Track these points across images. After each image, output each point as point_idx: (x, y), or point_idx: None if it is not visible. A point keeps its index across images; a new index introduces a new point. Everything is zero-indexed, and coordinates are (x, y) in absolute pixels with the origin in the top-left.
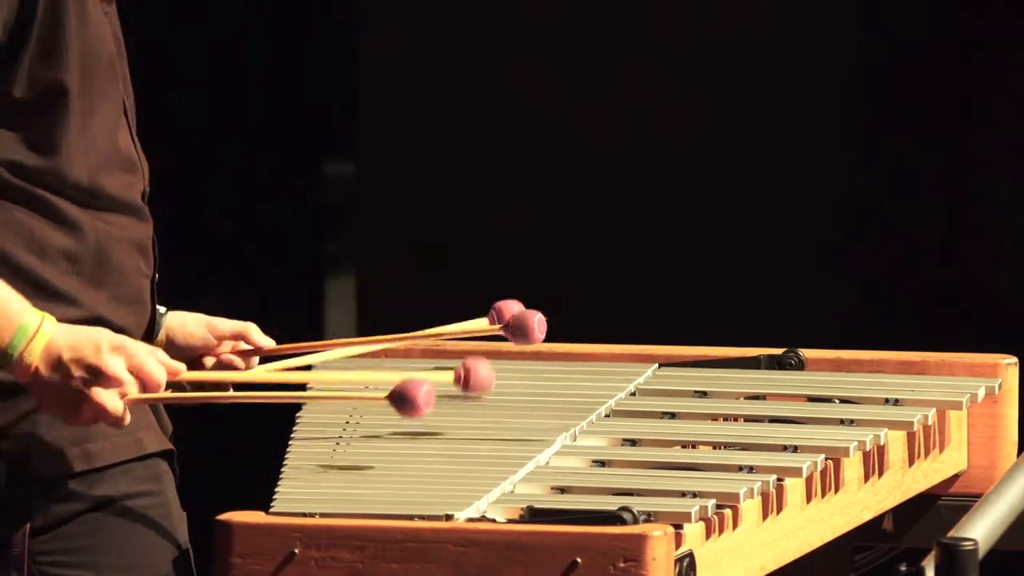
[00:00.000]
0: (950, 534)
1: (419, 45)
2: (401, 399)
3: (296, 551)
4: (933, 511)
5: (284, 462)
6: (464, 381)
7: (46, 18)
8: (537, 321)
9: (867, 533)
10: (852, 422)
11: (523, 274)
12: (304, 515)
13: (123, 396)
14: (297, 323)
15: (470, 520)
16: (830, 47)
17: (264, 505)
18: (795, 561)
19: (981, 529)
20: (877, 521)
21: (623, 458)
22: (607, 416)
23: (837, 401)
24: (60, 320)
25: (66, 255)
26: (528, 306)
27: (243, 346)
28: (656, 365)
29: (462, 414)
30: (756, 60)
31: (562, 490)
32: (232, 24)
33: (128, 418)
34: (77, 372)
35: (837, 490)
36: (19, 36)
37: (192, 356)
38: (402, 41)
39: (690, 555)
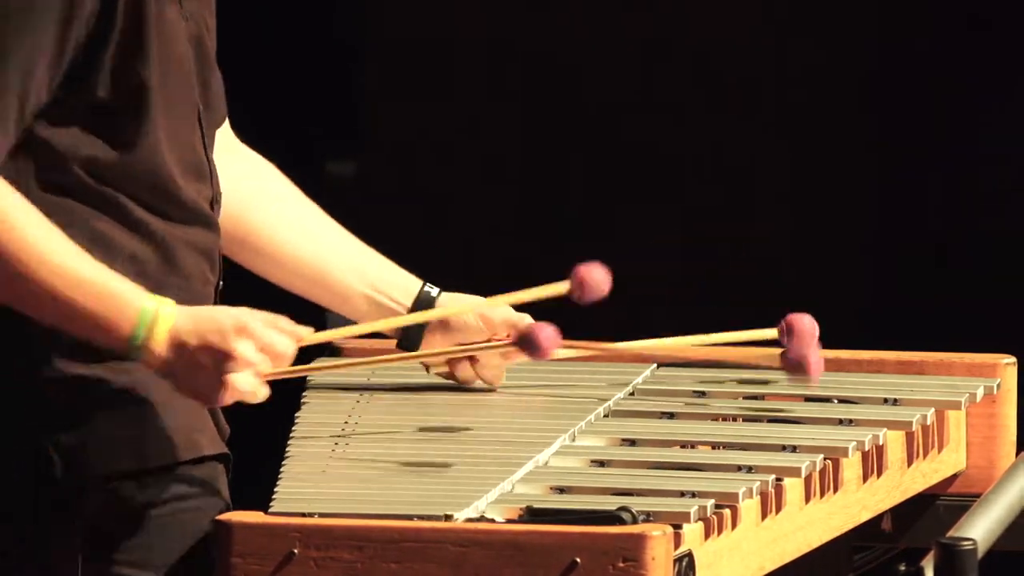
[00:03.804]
0: (949, 534)
1: (421, 45)
2: (528, 342)
3: (295, 551)
4: (932, 511)
5: (283, 462)
6: (580, 289)
7: (127, 13)
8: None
9: (866, 533)
10: (851, 422)
11: (524, 274)
12: (303, 515)
13: (257, 374)
14: (298, 322)
15: (469, 520)
16: (839, 50)
17: (263, 505)
18: (794, 561)
19: (980, 529)
20: (876, 521)
21: (622, 458)
22: (606, 416)
23: (836, 401)
24: None
25: (133, 257)
26: (528, 307)
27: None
28: (655, 365)
29: (461, 414)
30: (757, 62)
31: (561, 490)
32: (232, 24)
33: (266, 391)
34: (207, 361)
35: (836, 490)
36: (102, 32)
37: (462, 340)
38: (404, 41)
39: (689, 555)
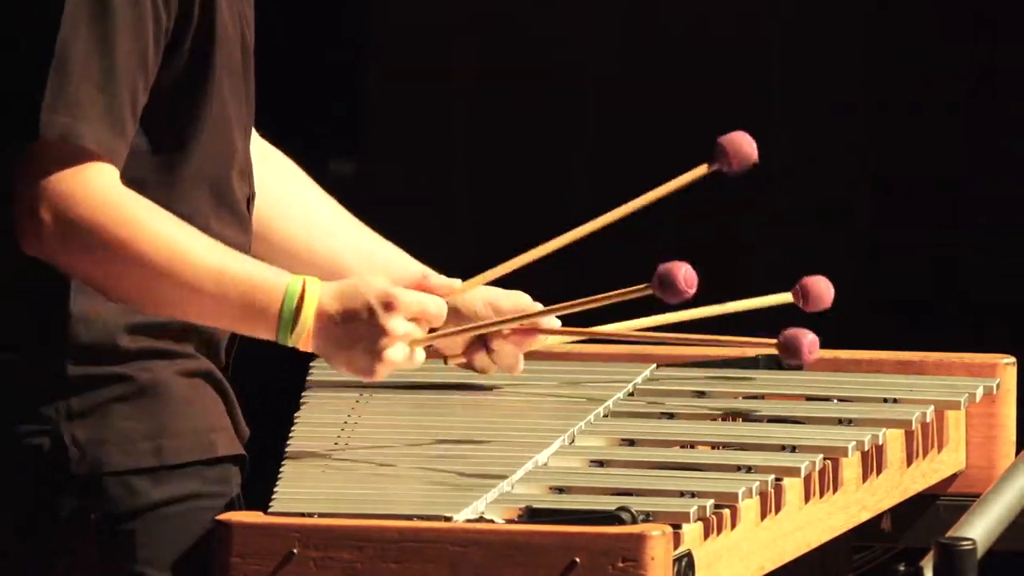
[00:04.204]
0: (948, 534)
1: (421, 44)
2: (665, 282)
3: (295, 551)
4: (931, 511)
5: (283, 462)
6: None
7: (203, 6)
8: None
9: (866, 533)
10: (850, 422)
11: (524, 274)
12: (303, 515)
13: (412, 343)
14: None
15: (469, 520)
16: (831, 46)
17: (263, 505)
18: (793, 561)
19: (979, 529)
20: (875, 521)
21: (621, 458)
22: (605, 416)
23: (835, 401)
24: (151, 322)
25: None
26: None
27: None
28: (654, 365)
29: (461, 414)
30: (755, 63)
31: (561, 490)
32: None
33: (422, 356)
34: (359, 337)
35: (835, 490)
36: (184, 19)
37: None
38: (404, 40)
39: (688, 555)
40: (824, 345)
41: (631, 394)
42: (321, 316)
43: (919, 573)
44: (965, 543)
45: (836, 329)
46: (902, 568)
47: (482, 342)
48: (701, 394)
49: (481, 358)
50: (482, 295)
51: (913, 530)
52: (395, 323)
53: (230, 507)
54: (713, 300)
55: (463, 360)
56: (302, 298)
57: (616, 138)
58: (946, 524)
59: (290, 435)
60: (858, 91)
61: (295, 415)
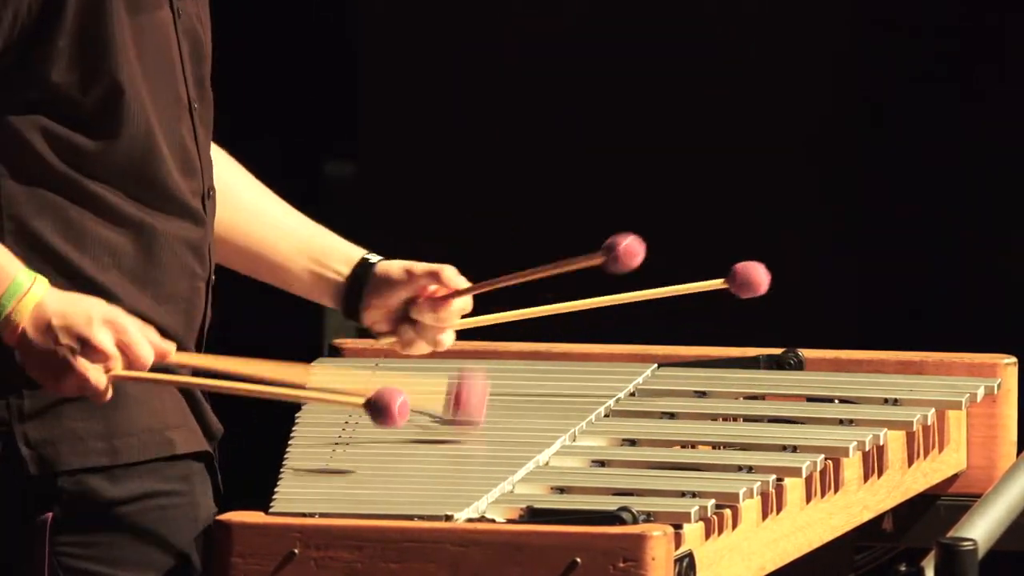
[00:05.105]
0: (949, 534)
1: (420, 44)
2: (377, 407)
3: (295, 551)
4: (932, 511)
5: (283, 462)
6: (456, 402)
7: (85, 3)
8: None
9: (867, 533)
10: (851, 422)
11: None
12: (303, 515)
13: (108, 371)
14: (298, 323)
15: (469, 520)
16: (831, 44)
17: (263, 505)
18: (795, 561)
19: (980, 529)
20: (876, 521)
21: (622, 458)
22: (606, 416)
23: (836, 401)
24: None
25: (107, 248)
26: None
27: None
28: (655, 365)
29: None
30: (755, 59)
31: (561, 490)
32: (230, 24)
33: (110, 393)
34: (65, 340)
35: (837, 490)
36: (50, 17)
37: (397, 302)
38: (403, 40)
39: (690, 555)
40: (825, 345)
41: (632, 394)
42: (37, 315)
43: (920, 573)
44: (966, 543)
45: (837, 329)
46: (903, 568)
47: (406, 317)
48: (702, 394)
49: (405, 331)
50: (398, 263)
51: (914, 530)
52: (104, 338)
53: (193, 505)
54: (716, 305)
55: (393, 338)
56: (26, 293)
57: (610, 138)
58: (947, 524)
59: (291, 435)
60: (856, 88)
61: (296, 415)
